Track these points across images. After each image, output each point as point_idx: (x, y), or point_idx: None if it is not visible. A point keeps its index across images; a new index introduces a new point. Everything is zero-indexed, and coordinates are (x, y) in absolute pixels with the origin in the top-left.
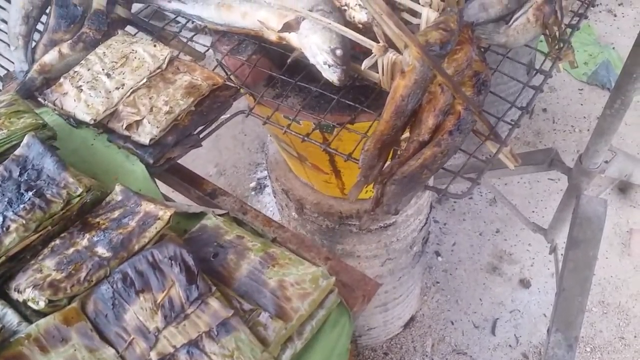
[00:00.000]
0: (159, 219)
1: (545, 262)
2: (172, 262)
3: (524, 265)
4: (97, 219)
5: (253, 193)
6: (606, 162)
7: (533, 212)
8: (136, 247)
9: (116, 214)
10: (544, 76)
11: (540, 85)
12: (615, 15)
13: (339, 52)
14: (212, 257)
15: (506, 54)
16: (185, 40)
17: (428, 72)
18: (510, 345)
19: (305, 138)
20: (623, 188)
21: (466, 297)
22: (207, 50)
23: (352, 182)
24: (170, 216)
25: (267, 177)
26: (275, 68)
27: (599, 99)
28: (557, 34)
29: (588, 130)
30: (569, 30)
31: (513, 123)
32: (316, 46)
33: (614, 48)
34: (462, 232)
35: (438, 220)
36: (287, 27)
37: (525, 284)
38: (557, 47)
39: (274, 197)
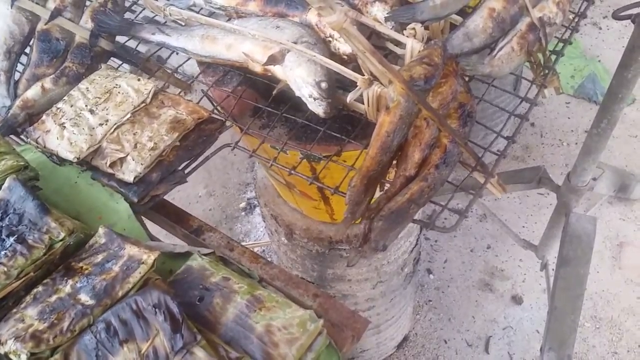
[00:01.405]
0: (142, 263)
1: (537, 278)
2: (157, 309)
3: (515, 281)
4: (80, 264)
5: (243, 214)
6: (594, 179)
7: (523, 227)
8: (120, 294)
9: (99, 258)
10: (529, 104)
11: (526, 114)
12: (600, 28)
13: (324, 85)
14: (198, 300)
15: (491, 82)
16: (170, 71)
17: (413, 107)
18: None
19: (292, 172)
20: (612, 202)
21: (459, 314)
22: (192, 82)
23: (340, 207)
24: (154, 260)
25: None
26: (260, 99)
27: (586, 112)
28: (541, 61)
29: (576, 143)
30: (553, 57)
31: (499, 153)
32: (301, 79)
33: (599, 61)
34: (454, 249)
35: (429, 237)
36: (272, 59)
37: (517, 300)
38: (542, 74)
39: (264, 221)
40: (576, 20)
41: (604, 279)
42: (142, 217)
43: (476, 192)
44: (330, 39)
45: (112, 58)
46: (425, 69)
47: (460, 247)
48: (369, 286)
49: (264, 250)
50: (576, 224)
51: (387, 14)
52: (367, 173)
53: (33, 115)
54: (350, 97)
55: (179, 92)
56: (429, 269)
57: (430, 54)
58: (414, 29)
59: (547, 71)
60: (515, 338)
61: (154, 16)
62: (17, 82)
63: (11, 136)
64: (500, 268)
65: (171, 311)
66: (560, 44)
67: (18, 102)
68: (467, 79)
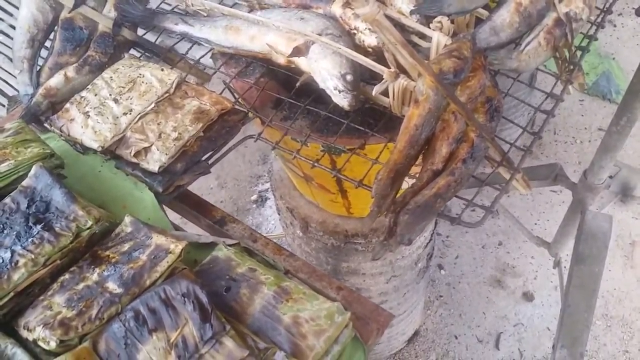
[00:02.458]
0: (170, 252)
1: (549, 275)
2: (185, 299)
3: (527, 278)
4: (107, 252)
5: (254, 206)
6: (611, 177)
7: (535, 224)
8: (147, 282)
9: (126, 246)
10: (555, 100)
11: (552, 110)
12: (615, 26)
13: (349, 77)
14: (225, 291)
15: (517, 77)
16: (192, 62)
17: (442, 100)
18: None
19: (316, 164)
20: (625, 200)
21: (470, 310)
22: (214, 73)
23: (358, 201)
24: (182, 250)
25: (269, 190)
26: (283, 90)
27: (600, 109)
28: (567, 56)
29: (589, 141)
30: (578, 52)
31: (525, 148)
32: (326, 71)
33: (614, 58)
34: (465, 245)
35: (441, 233)
36: (297, 51)
37: (528, 297)
38: (567, 70)
39: (278, 214)
40: (601, 16)
41: (616, 278)
42: (165, 207)
43: (502, 188)
44: (355, 31)
45: (134, 48)
46: (454, 63)
47: (472, 243)
48: (382, 280)
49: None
50: (592, 222)
51: (414, 6)
52: (394, 166)
53: (56, 103)
54: (376, 90)
55: (199, 84)
56: (440, 264)
57: (459, 47)
58: (440, 22)
59: (572, 67)
60: (526, 335)
61: (175, 6)
62: (39, 71)
63: (33, 124)
64: (512, 265)
65: (200, 301)
66: (586, 40)
67: (41, 90)
68: (492, 73)
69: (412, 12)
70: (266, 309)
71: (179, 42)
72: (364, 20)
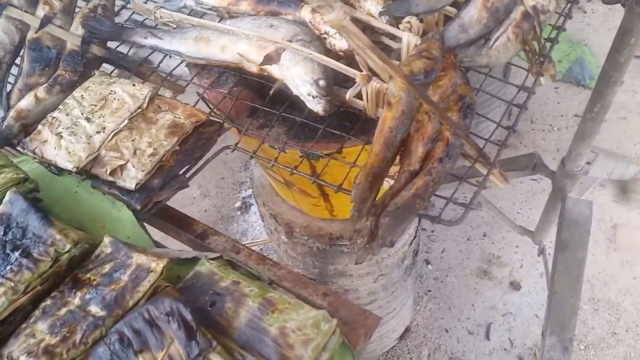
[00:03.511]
0: (151, 271)
1: (534, 263)
2: (170, 317)
3: (513, 267)
4: (88, 275)
5: (239, 213)
6: (588, 163)
7: (518, 213)
8: (130, 303)
9: (107, 268)
10: (527, 93)
11: (524, 103)
12: (585, 12)
13: (322, 82)
14: (210, 306)
15: (488, 73)
16: (165, 74)
17: (414, 101)
18: (505, 349)
19: (294, 171)
20: (604, 184)
21: (459, 303)
22: (187, 84)
23: (340, 203)
24: (163, 267)
25: (252, 196)
26: (257, 98)
27: (575, 96)
28: (537, 49)
29: (566, 128)
30: (548, 44)
31: (500, 143)
32: (299, 78)
33: (586, 45)
34: (450, 239)
35: (426, 228)
36: (268, 59)
37: (515, 286)
38: (537, 62)
39: (262, 221)
40: (568, 6)
41: (600, 261)
42: (145, 223)
43: (480, 184)
44: (325, 35)
45: (104, 64)
46: (424, 63)
47: (457, 236)
48: (370, 280)
49: (262, 249)
50: (573, 209)
51: (382, 8)
52: (371, 170)
53: (28, 125)
54: (349, 94)
55: (172, 96)
56: (427, 259)
57: (428, 47)
58: (409, 22)
59: (542, 59)
60: (515, 324)
61: (144, 19)
62: (9, 93)
63: (6, 148)
64: (497, 255)
65: (184, 319)
66: (555, 32)
67: (12, 113)
68: (463, 70)
69: (380, 14)
70: (252, 322)
71: (150, 54)
72: (331, 27)
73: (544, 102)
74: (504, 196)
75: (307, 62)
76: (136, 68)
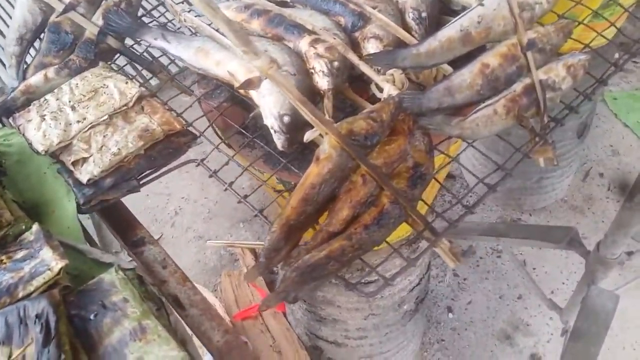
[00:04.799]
0: (49, 269)
1: (561, 338)
2: (37, 319)
3: (539, 339)
4: (2, 256)
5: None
6: (628, 253)
7: (563, 283)
8: (20, 295)
9: (20, 254)
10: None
11: (494, 185)
12: None
13: (286, 119)
14: (94, 316)
15: (470, 143)
16: (171, 74)
17: (348, 161)
18: None
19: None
20: None
21: None
22: (189, 89)
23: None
24: (61, 268)
25: None
26: (247, 116)
27: None
28: (535, 127)
29: None
30: (552, 124)
31: (451, 222)
32: (268, 109)
33: None
34: (481, 292)
35: (458, 274)
36: (248, 83)
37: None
38: (533, 141)
39: None
40: (593, 87)
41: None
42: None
43: (409, 261)
44: (312, 70)
45: (120, 56)
46: (368, 125)
47: (489, 291)
48: (360, 316)
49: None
50: (596, 299)
51: (366, 55)
52: (287, 222)
53: (33, 100)
54: (307, 137)
55: (176, 95)
56: (450, 307)
57: (380, 110)
58: (392, 75)
59: (538, 140)
60: None
61: (172, 19)
62: (27, 68)
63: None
64: (527, 322)
65: (48, 324)
66: (565, 112)
67: (21, 86)
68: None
69: (362, 59)
70: (119, 344)
71: (162, 55)
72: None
73: (629, 170)
74: (554, 261)
75: (279, 95)
76: (148, 64)
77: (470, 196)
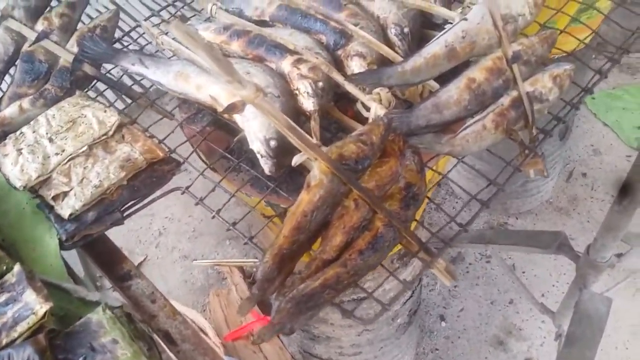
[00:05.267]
0: (34, 313)
1: (557, 344)
2: None
3: (532, 343)
4: None
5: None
6: (617, 255)
7: (553, 285)
8: (4, 342)
9: (2, 298)
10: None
11: (488, 201)
12: None
13: (273, 143)
14: None
15: (461, 159)
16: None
17: (339, 187)
18: None
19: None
20: None
21: None
22: (171, 114)
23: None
24: (46, 312)
25: None
26: (232, 139)
27: None
28: (524, 140)
29: None
30: (540, 135)
31: (446, 241)
32: (253, 133)
33: None
34: (472, 298)
35: None
36: (232, 107)
37: None
38: (523, 154)
39: None
40: (580, 95)
41: (632, 357)
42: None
43: (405, 284)
44: (297, 91)
45: (97, 82)
46: (358, 148)
47: (480, 297)
48: (353, 333)
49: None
50: (588, 303)
51: (351, 75)
52: (279, 251)
53: (9, 133)
54: (294, 161)
55: (158, 120)
56: (442, 315)
57: (369, 131)
58: (378, 93)
59: (528, 153)
60: None
61: (147, 43)
62: (0, 99)
63: None
64: (519, 327)
65: None
66: (553, 123)
67: None
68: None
69: (347, 79)
70: None
71: (141, 80)
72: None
73: (611, 169)
74: (543, 264)
75: (265, 118)
76: (126, 90)
77: (465, 211)
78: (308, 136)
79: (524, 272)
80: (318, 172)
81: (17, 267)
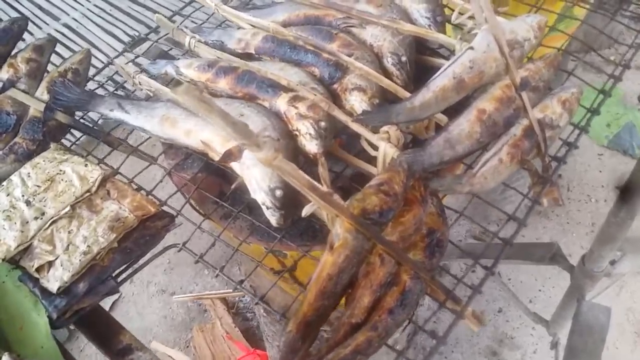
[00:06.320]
0: None
1: (550, 351)
2: None
3: (525, 351)
4: None
5: None
6: (612, 262)
7: (540, 290)
8: None
9: None
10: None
11: (511, 238)
12: None
13: (278, 193)
14: None
15: (475, 195)
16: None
17: (364, 243)
18: None
19: (260, 264)
20: None
21: None
22: (155, 160)
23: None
24: None
25: None
26: (226, 184)
27: (619, 165)
28: (538, 169)
29: (605, 201)
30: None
31: (473, 287)
32: (256, 182)
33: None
34: None
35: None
36: (228, 155)
37: None
38: (538, 183)
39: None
40: (587, 117)
41: (623, 357)
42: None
43: (439, 339)
44: (297, 132)
45: (71, 130)
46: (381, 200)
47: (469, 308)
48: None
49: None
50: (588, 314)
51: (356, 116)
52: (304, 319)
53: None
54: (305, 212)
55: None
56: (434, 330)
57: (390, 180)
58: (387, 132)
59: (544, 182)
60: None
61: (123, 82)
62: None
63: None
64: (511, 335)
65: None
66: (565, 148)
67: None
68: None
69: (353, 121)
70: None
71: (118, 125)
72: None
73: (585, 169)
74: (527, 270)
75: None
76: (104, 136)
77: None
78: (329, 192)
79: (509, 279)
80: (342, 231)
81: (5, 357)
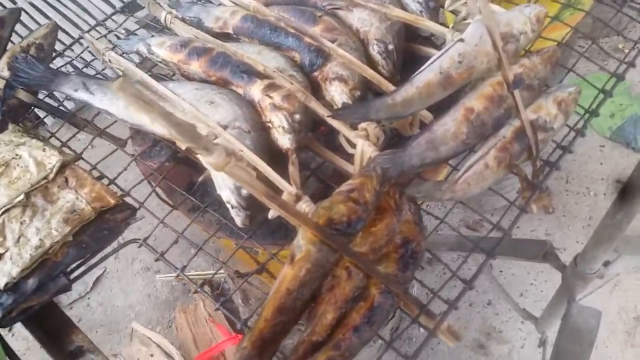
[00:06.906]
0: None
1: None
2: None
3: (514, 346)
4: None
5: None
6: (606, 263)
7: (532, 284)
8: None
9: None
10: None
11: (493, 251)
12: None
13: (244, 191)
14: None
15: (457, 202)
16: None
17: (329, 255)
18: None
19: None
20: (636, 269)
21: None
22: (123, 144)
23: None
24: None
25: None
26: (196, 174)
27: (622, 158)
28: (528, 175)
29: (604, 195)
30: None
31: (449, 302)
32: (222, 179)
33: None
34: None
35: (426, 285)
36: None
37: None
38: (527, 189)
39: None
40: (585, 117)
41: (613, 356)
42: None
43: (415, 352)
44: (270, 124)
45: (35, 109)
46: (350, 209)
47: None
48: None
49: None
50: (577, 317)
51: (333, 111)
52: (260, 335)
53: None
54: (271, 215)
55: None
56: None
57: (361, 186)
58: (365, 129)
59: (534, 190)
60: None
61: (93, 59)
62: None
63: None
64: (499, 329)
65: None
66: (559, 152)
67: None
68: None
69: (329, 117)
70: None
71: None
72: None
73: (585, 160)
74: (520, 263)
75: None
76: (70, 117)
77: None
78: (298, 195)
79: (501, 271)
80: (304, 242)
81: None
